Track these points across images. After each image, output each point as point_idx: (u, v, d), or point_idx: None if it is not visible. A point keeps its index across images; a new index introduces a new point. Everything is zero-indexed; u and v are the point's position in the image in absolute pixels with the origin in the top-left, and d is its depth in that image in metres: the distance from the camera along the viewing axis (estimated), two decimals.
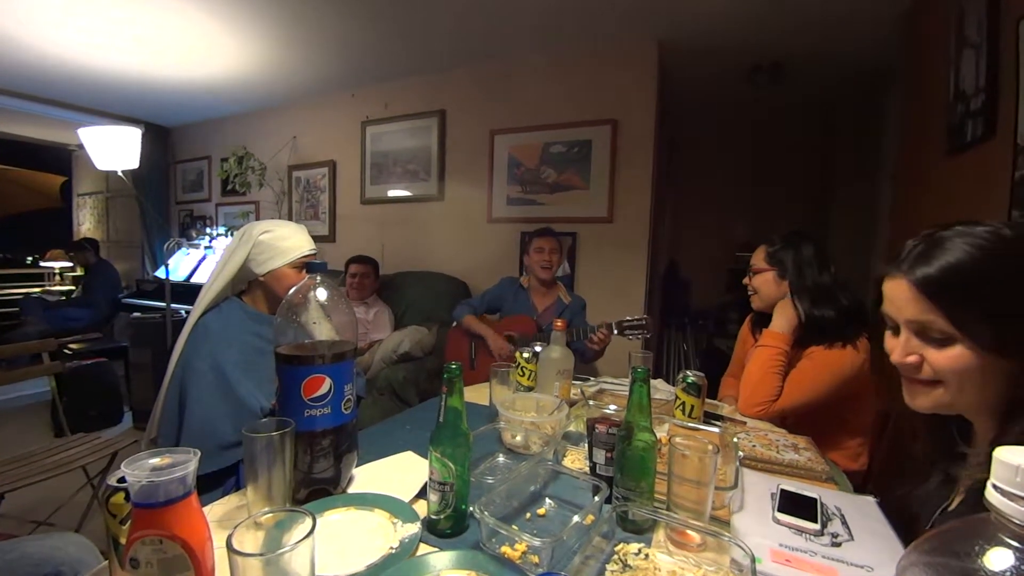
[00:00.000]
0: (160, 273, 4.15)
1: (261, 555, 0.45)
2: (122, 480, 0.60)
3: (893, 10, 2.31)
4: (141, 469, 0.52)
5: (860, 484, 1.33)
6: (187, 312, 3.62)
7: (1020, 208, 1.38)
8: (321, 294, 0.82)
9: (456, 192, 3.34)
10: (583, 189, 2.90)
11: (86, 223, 5.47)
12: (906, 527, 0.74)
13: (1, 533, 1.77)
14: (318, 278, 0.83)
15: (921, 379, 0.65)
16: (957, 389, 0.62)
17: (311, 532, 0.48)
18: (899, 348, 0.67)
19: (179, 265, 4.33)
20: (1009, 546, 0.24)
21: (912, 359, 0.65)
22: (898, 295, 0.65)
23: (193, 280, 4.16)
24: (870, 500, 0.83)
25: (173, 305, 3.12)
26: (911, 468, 0.76)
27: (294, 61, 3.19)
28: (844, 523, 0.75)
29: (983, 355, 0.59)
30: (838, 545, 0.69)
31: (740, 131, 4.14)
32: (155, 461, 0.55)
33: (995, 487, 0.25)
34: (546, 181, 3.00)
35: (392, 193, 3.57)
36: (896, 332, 0.69)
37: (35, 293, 5.29)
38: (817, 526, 0.72)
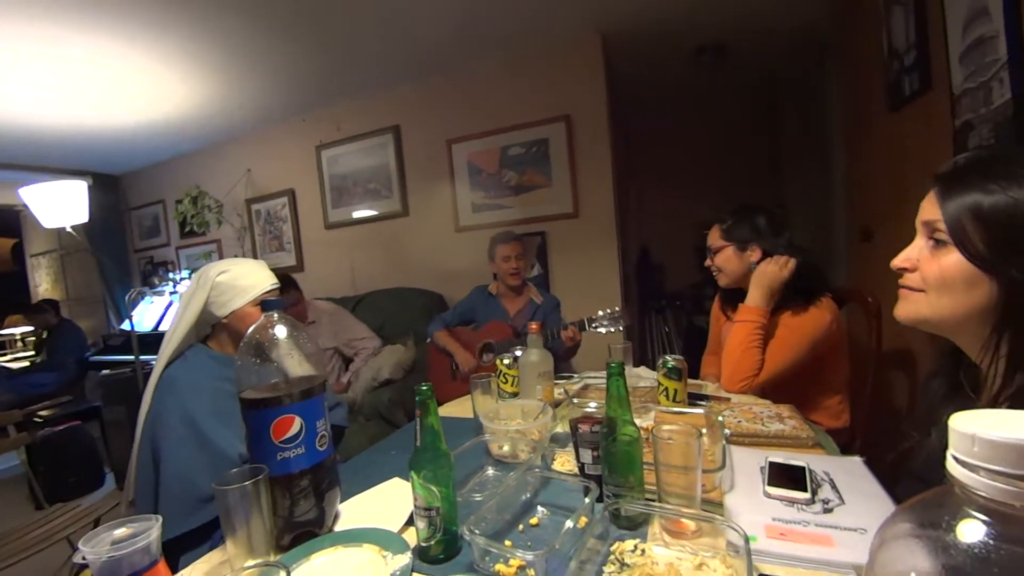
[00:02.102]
0: (125, 326, 4.01)
1: None
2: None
3: None
4: (100, 545, 0.49)
5: (845, 442, 1.35)
6: None
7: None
8: (280, 331, 0.80)
9: (420, 205, 3.31)
10: (546, 187, 2.90)
11: (43, 283, 5.26)
12: (902, 486, 0.74)
13: None
14: (275, 315, 0.80)
15: (908, 285, 0.66)
16: (936, 297, 0.62)
17: None
18: (902, 253, 0.67)
19: (144, 315, 4.19)
20: (976, 518, 0.23)
21: (906, 263, 0.66)
22: (927, 199, 0.64)
23: (161, 328, 4.04)
24: (857, 460, 0.84)
25: (143, 357, 3.01)
26: (906, 425, 0.74)
27: (241, 93, 3.12)
28: (834, 487, 0.75)
29: (970, 265, 0.58)
30: (830, 511, 0.69)
31: (692, 114, 4.22)
32: (117, 533, 0.52)
33: (955, 459, 0.25)
34: (508, 184, 2.99)
35: (356, 214, 3.52)
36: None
37: None
38: (807, 495, 0.72)
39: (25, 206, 2.72)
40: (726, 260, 1.47)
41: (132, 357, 3.06)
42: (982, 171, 0.58)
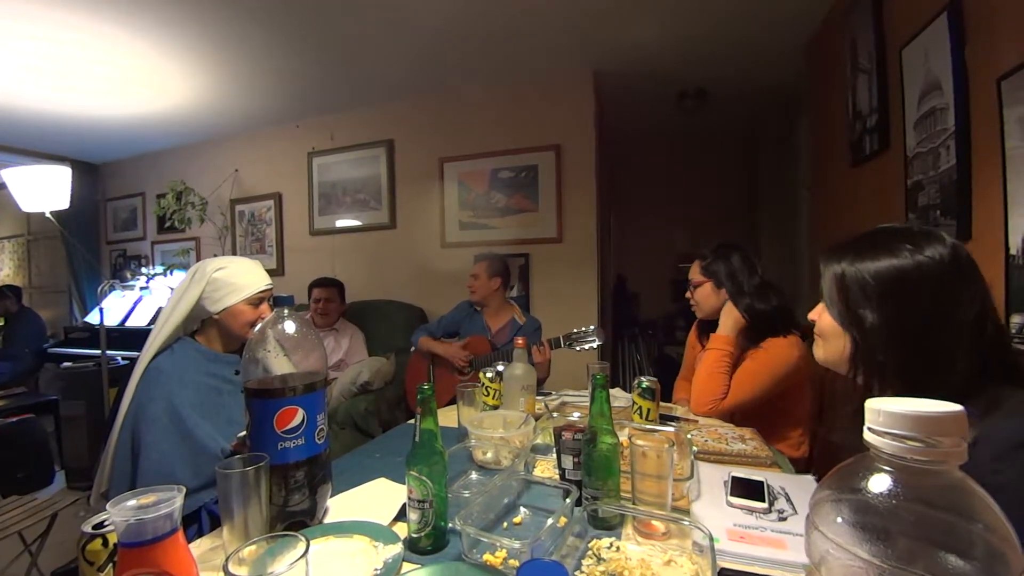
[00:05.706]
0: (93, 317, 3.89)
1: None
2: (98, 527, 0.60)
3: (799, 40, 2.58)
4: (127, 508, 0.52)
5: (803, 470, 1.44)
6: (124, 359, 3.37)
7: (914, 210, 1.58)
8: (289, 327, 0.84)
9: (408, 219, 3.37)
10: (532, 212, 3.00)
11: (5, 268, 5.07)
12: None
13: None
14: (285, 311, 0.85)
15: (815, 333, 0.84)
16: (824, 343, 0.82)
17: (305, 553, 0.50)
18: (813, 309, 0.85)
19: (110, 309, 4.07)
20: (884, 471, 0.32)
21: (814, 316, 0.84)
22: None
23: (128, 324, 3.93)
24: (809, 478, 0.93)
25: (108, 352, 2.94)
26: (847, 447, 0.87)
27: (238, 94, 3.15)
28: (788, 500, 0.83)
29: (836, 321, 0.77)
30: (784, 519, 0.77)
31: (674, 152, 4.43)
32: (137, 500, 0.55)
33: (869, 429, 0.33)
34: (497, 205, 3.09)
35: (342, 223, 3.55)
36: None
37: None
38: (765, 505, 0.80)
39: (3, 186, 2.67)
40: (704, 295, 1.57)
41: (93, 351, 2.98)
42: (851, 249, 0.75)
